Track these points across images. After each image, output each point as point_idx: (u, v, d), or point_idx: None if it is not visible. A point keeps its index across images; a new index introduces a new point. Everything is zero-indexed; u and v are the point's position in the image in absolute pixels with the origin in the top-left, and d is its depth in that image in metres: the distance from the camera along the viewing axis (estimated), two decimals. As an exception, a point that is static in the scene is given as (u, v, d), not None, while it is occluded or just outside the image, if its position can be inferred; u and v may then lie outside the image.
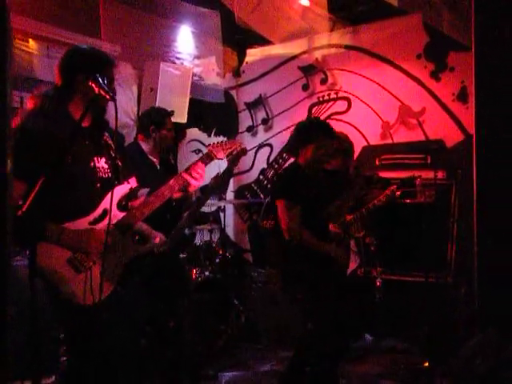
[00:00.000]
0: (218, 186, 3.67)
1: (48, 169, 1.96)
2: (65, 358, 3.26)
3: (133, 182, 2.47)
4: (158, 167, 3.51)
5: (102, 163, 2.30)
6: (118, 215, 2.26)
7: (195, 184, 2.56)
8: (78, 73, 2.22)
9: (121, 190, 2.32)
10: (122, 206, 2.31)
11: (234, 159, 3.81)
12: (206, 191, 3.62)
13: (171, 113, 3.68)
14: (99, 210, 2.24)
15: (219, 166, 3.88)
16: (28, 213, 1.86)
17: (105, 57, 2.32)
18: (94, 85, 2.10)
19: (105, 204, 2.24)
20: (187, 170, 2.53)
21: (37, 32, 4.09)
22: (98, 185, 2.26)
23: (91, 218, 2.21)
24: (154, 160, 3.49)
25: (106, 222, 2.18)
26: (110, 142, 2.37)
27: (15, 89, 4.00)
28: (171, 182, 2.45)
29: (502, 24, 3.43)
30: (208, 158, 2.66)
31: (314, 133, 3.33)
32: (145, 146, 3.47)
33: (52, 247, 2.12)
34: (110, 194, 2.16)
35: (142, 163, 3.40)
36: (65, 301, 2.13)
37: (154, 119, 3.48)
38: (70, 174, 2.16)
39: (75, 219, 2.18)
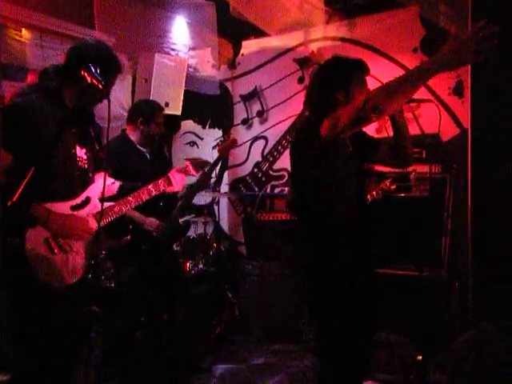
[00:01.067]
0: (206, 179, 3.68)
1: (36, 151, 1.99)
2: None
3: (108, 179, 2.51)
4: (149, 157, 3.49)
5: (82, 153, 2.35)
6: (98, 207, 2.33)
7: (171, 191, 2.92)
8: (83, 62, 2.21)
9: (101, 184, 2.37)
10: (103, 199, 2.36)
11: (224, 150, 3.82)
12: (194, 185, 3.61)
13: (161, 108, 3.65)
14: (82, 197, 2.31)
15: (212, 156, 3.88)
16: (17, 203, 1.85)
17: (116, 62, 2.34)
18: (86, 74, 2.07)
19: (88, 192, 2.33)
20: (164, 178, 2.87)
21: (30, 21, 4.04)
22: (77, 173, 2.31)
23: (73, 202, 2.27)
24: (144, 150, 3.46)
25: (86, 209, 2.30)
26: (93, 134, 2.42)
27: (7, 78, 3.96)
28: (150, 186, 2.77)
29: (499, 18, 3.42)
30: (184, 171, 3.03)
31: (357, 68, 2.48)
32: (132, 137, 3.45)
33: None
34: (93, 184, 2.33)
35: (129, 153, 3.38)
36: (41, 283, 2.11)
37: (143, 111, 3.46)
38: (56, 157, 2.17)
39: (55, 201, 2.20)
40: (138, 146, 3.44)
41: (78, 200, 2.29)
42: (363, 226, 2.46)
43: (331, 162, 2.35)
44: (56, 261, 2.16)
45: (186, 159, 3.16)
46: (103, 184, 2.16)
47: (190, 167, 3.09)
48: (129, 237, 2.58)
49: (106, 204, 2.39)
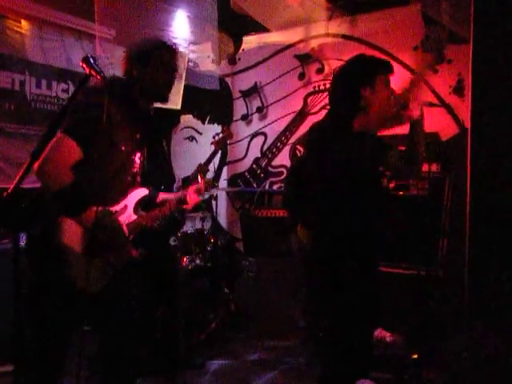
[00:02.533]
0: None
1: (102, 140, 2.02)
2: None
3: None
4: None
5: (137, 158, 2.33)
6: (131, 217, 2.29)
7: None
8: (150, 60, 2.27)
9: (141, 193, 2.37)
10: (137, 209, 2.35)
11: (220, 143, 3.81)
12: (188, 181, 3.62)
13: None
14: (121, 204, 2.27)
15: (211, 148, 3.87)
16: (13, 195, 1.82)
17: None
18: (84, 65, 2.05)
19: (127, 201, 2.29)
20: (183, 194, 2.61)
21: (29, 12, 4.02)
22: (129, 178, 2.29)
23: (113, 210, 2.22)
24: None
25: (121, 218, 2.23)
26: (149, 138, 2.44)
27: (6, 69, 3.94)
28: (171, 202, 2.53)
29: (501, 18, 3.41)
30: (198, 192, 2.70)
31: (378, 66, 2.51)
32: None
33: (73, 224, 2.08)
34: (133, 192, 2.29)
35: None
36: (68, 284, 2.07)
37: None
38: (118, 159, 2.18)
39: (104, 205, 2.15)
40: None
41: (118, 207, 2.24)
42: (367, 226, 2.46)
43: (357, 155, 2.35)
44: (87, 263, 2.09)
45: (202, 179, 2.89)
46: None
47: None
48: (139, 252, 2.47)
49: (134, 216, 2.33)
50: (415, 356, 3.45)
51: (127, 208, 2.28)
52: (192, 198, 2.66)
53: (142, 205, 2.41)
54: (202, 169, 3.74)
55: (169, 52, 2.33)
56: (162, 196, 2.59)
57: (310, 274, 2.55)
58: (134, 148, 2.28)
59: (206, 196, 3.09)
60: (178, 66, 2.37)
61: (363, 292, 2.35)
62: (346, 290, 2.35)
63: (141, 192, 2.37)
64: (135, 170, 2.33)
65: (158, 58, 2.28)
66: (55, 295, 2.11)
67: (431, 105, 2.64)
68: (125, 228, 2.24)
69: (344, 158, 2.32)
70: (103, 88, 2.07)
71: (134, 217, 2.31)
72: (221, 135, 3.96)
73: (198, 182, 2.74)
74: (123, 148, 2.19)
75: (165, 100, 2.36)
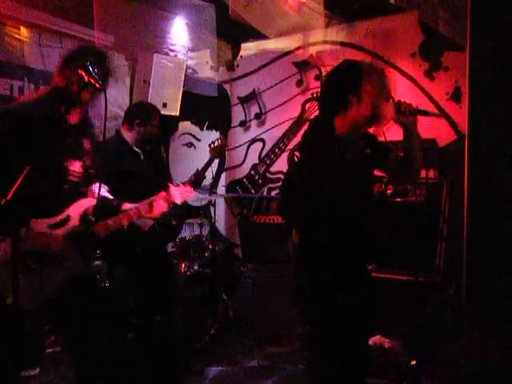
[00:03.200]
0: (199, 181, 3.69)
1: (20, 148, 1.96)
2: (50, 350, 3.24)
3: (102, 190, 2.45)
4: (143, 158, 3.48)
5: (76, 167, 2.28)
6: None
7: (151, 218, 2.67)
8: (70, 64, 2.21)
9: (86, 203, 2.31)
10: (84, 219, 2.29)
11: (216, 152, 3.83)
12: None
13: (159, 110, 3.65)
14: (62, 215, 2.21)
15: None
16: (12, 201, 1.83)
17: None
18: (83, 73, 2.07)
19: (70, 211, 2.22)
20: (146, 204, 2.53)
21: (29, 19, 4.04)
22: (67, 186, 2.24)
23: (52, 221, 2.17)
24: (137, 150, 3.46)
25: (64, 228, 2.17)
26: (89, 148, 2.35)
27: (5, 76, 3.96)
28: (131, 212, 2.49)
29: (497, 25, 3.43)
30: (167, 200, 2.62)
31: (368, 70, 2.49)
32: (127, 137, 3.44)
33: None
34: (76, 202, 2.21)
35: (124, 154, 3.37)
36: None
37: (140, 114, 3.46)
38: (45, 168, 2.13)
39: (39, 217, 2.13)
40: (133, 147, 3.44)
41: (57, 218, 2.19)
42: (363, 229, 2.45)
43: (343, 160, 2.35)
44: (26, 281, 2.06)
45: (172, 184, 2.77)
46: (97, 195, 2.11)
47: (172, 197, 2.64)
48: (99, 262, 2.44)
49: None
50: (413, 362, 3.45)
51: (71, 218, 2.21)
52: (159, 205, 2.55)
53: (99, 214, 2.35)
54: (200, 176, 3.75)
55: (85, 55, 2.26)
56: (126, 206, 2.54)
57: (299, 280, 2.52)
58: (65, 157, 2.23)
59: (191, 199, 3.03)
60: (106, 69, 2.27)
61: (354, 298, 2.33)
62: (334, 296, 2.32)
63: (88, 202, 2.31)
64: (74, 179, 2.27)
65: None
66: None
67: (429, 114, 2.66)
68: (59, 238, 2.16)
69: (325, 164, 2.31)
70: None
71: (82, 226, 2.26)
72: (216, 143, 3.97)
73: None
74: (49, 157, 2.14)
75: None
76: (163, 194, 2.58)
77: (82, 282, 2.27)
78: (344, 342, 2.34)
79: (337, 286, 2.31)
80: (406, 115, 2.45)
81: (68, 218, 2.21)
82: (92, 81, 2.06)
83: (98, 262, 2.39)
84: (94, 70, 2.11)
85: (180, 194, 2.64)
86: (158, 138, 3.54)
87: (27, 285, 2.06)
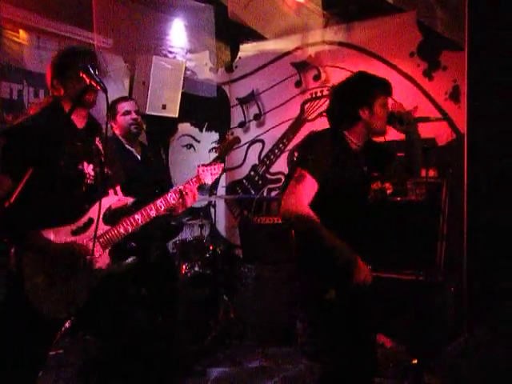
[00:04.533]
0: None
1: (36, 162, 1.94)
2: (53, 353, 3.24)
3: (119, 191, 2.44)
4: (139, 157, 3.48)
5: (89, 169, 2.26)
6: (103, 228, 2.20)
7: (183, 208, 2.40)
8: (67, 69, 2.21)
9: (108, 202, 2.29)
10: (107, 219, 2.25)
11: (225, 149, 3.78)
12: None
13: (125, 97, 3.65)
14: (84, 219, 2.18)
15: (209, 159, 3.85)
16: (15, 205, 1.84)
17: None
18: (85, 76, 2.07)
19: (91, 213, 2.19)
20: (176, 192, 2.37)
21: (27, 22, 4.05)
22: (84, 189, 2.22)
23: (74, 226, 2.15)
24: (132, 149, 3.45)
25: (88, 232, 2.14)
26: (101, 148, 2.32)
27: (5, 79, 3.96)
28: (158, 202, 2.33)
29: (495, 24, 3.44)
30: (197, 181, 2.49)
31: (376, 85, 2.54)
32: (119, 136, 3.44)
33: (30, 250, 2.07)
34: (97, 203, 2.13)
35: (120, 154, 3.36)
36: (33, 312, 2.06)
37: (110, 109, 3.36)
38: (59, 175, 2.12)
39: (59, 226, 2.12)
40: (127, 146, 3.44)
41: (80, 223, 2.16)
42: (363, 230, 2.49)
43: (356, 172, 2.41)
44: (54, 292, 2.08)
45: (198, 166, 2.59)
46: (99, 205, 2.06)
47: (202, 176, 2.51)
48: (131, 259, 2.33)
49: (105, 227, 2.22)
50: (415, 361, 3.45)
51: (94, 221, 2.16)
52: (186, 189, 2.38)
53: (116, 214, 2.30)
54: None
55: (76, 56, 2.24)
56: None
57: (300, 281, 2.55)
58: (77, 160, 2.21)
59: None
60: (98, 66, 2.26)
61: (354, 299, 2.33)
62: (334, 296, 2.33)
63: (106, 201, 2.26)
64: (89, 181, 2.24)
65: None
66: (16, 323, 2.08)
67: (430, 120, 2.75)
68: (90, 243, 2.13)
69: (339, 175, 2.33)
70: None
71: (106, 228, 2.23)
72: (225, 141, 3.89)
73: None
74: (61, 163, 2.13)
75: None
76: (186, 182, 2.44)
77: (115, 280, 2.27)
78: (345, 342, 2.35)
79: (336, 286, 2.32)
80: (410, 124, 2.52)
81: (91, 221, 2.18)
82: (94, 83, 2.06)
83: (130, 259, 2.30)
84: (94, 72, 2.12)
85: (210, 172, 2.53)
86: (159, 139, 3.51)
87: (57, 294, 2.08)
